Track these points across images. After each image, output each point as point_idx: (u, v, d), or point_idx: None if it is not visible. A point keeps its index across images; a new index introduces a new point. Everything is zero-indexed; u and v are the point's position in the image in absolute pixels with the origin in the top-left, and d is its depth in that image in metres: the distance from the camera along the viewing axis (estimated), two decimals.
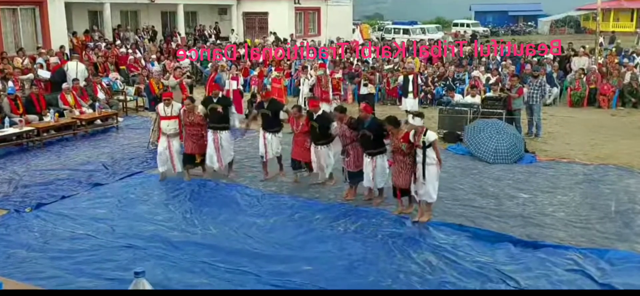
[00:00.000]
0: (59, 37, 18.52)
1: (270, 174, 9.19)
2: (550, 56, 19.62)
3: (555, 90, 16.33)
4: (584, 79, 16.20)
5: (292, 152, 8.95)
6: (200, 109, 8.95)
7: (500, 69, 16.57)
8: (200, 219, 7.53)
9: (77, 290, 5.61)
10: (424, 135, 7.09)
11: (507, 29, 48.36)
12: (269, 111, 8.98)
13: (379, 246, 6.65)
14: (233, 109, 9.53)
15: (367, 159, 7.87)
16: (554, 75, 16.91)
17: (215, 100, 8.98)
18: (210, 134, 8.91)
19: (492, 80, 14.73)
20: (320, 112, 8.64)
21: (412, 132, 7.19)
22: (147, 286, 2.95)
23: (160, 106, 9.11)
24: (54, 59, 15.55)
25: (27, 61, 15.62)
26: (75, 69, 14.49)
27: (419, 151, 7.12)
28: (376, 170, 7.79)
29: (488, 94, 12.65)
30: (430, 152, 7.08)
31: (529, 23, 52.91)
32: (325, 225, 7.27)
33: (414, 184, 7.30)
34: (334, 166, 8.69)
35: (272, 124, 8.96)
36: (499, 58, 19.56)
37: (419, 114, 7.49)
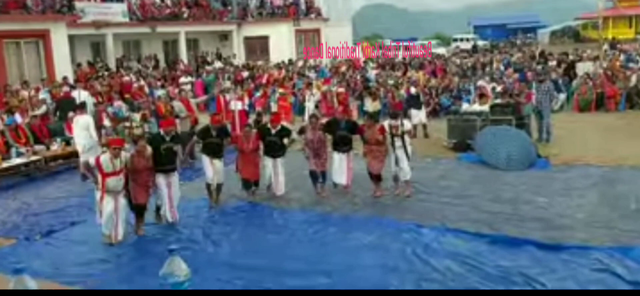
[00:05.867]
0: (63, 68, 18.55)
1: (219, 201, 8.73)
2: (553, 63, 19.59)
3: (562, 96, 16.22)
4: (590, 83, 16.12)
5: (242, 172, 8.80)
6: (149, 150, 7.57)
7: (504, 79, 16.55)
8: (214, 237, 7.39)
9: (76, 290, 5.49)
10: (402, 125, 8.50)
11: (506, 41, 48.47)
12: (218, 138, 8.62)
13: (397, 255, 6.48)
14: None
15: (341, 156, 8.74)
16: (559, 81, 16.85)
17: (168, 138, 7.80)
18: (162, 179, 7.65)
19: (499, 89, 14.67)
20: (279, 126, 8.86)
21: (386, 124, 8.52)
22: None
23: (104, 160, 7.09)
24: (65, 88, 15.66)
25: (33, 92, 15.65)
26: (78, 97, 14.47)
27: (397, 139, 8.41)
28: (350, 165, 8.77)
29: (497, 101, 12.55)
30: (407, 137, 8.52)
31: (528, 35, 53.06)
32: (340, 238, 7.13)
33: (394, 168, 8.56)
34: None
35: (219, 150, 8.65)
36: (502, 67, 19.54)
37: (395, 115, 8.84)
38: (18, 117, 12.92)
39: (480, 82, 16.17)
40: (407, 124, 8.77)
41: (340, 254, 6.62)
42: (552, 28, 53.26)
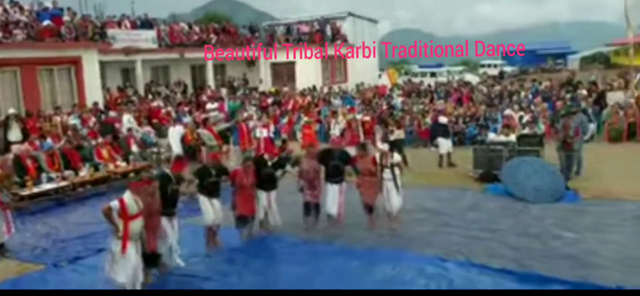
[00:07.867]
0: (94, 94, 18.99)
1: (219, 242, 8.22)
2: (584, 92, 19.22)
3: (592, 126, 15.86)
4: (621, 113, 15.76)
5: (239, 208, 8.20)
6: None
7: (531, 107, 16.33)
8: (236, 268, 7.38)
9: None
10: (392, 157, 8.63)
11: (536, 67, 47.87)
12: (218, 177, 8.12)
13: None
14: None
15: (334, 187, 8.58)
16: (589, 111, 16.51)
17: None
18: (166, 222, 7.06)
19: (526, 118, 14.45)
20: (276, 159, 8.82)
21: (378, 156, 8.68)
22: None
23: (128, 200, 6.36)
24: (113, 113, 16.62)
25: (66, 118, 16.04)
26: (128, 121, 15.00)
27: (387, 171, 8.48)
28: (342, 197, 8.60)
29: (523, 132, 12.35)
30: (397, 170, 8.54)
31: (558, 61, 52.27)
32: (364, 271, 7.04)
33: (383, 199, 8.55)
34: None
35: (217, 189, 8.14)
36: (530, 96, 19.27)
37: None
38: (51, 143, 13.25)
39: (507, 111, 15.95)
40: (397, 157, 8.82)
41: (364, 288, 6.53)
42: (582, 54, 52.35)
